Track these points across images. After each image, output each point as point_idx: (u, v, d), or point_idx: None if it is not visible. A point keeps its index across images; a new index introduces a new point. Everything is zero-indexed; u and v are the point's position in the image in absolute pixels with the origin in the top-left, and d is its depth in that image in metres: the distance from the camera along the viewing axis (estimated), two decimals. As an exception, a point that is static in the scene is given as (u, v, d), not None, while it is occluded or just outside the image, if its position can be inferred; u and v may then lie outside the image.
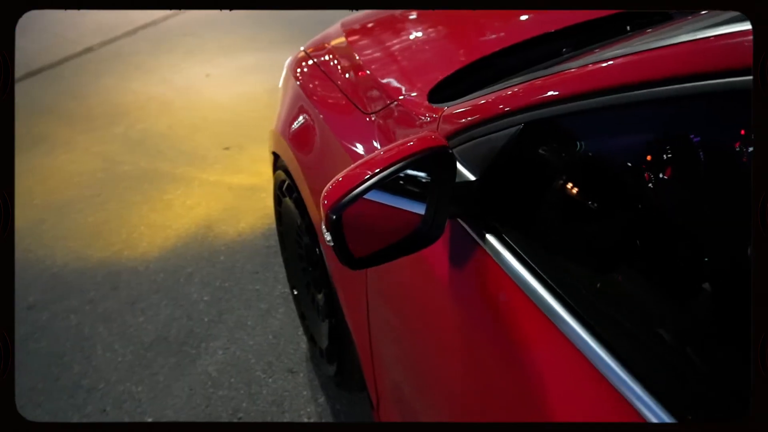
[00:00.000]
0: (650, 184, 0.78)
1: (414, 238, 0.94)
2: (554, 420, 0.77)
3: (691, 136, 0.74)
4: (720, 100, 0.64)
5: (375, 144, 1.33)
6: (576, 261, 0.87)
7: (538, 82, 0.90)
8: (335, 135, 1.47)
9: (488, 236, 0.95)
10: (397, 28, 1.85)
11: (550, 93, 0.86)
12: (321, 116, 1.57)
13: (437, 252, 1.03)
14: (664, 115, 0.76)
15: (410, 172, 0.90)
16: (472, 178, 0.98)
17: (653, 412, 0.64)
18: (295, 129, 1.71)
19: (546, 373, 0.80)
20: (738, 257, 0.65)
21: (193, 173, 3.52)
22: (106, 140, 4.04)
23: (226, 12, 6.27)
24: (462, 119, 1.05)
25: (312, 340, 2.06)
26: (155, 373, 2.21)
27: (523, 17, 1.67)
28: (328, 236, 0.87)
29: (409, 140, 0.92)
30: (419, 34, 1.79)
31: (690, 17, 0.91)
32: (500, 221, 0.96)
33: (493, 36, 1.66)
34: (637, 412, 0.66)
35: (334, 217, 0.84)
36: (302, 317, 2.16)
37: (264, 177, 3.41)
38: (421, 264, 1.06)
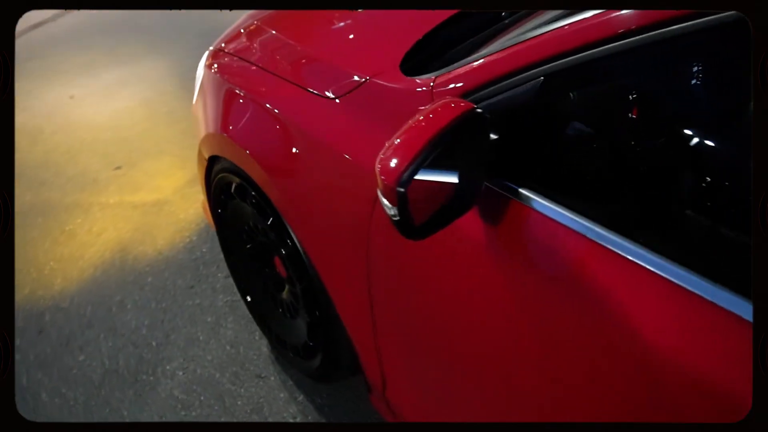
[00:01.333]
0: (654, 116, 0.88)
1: (458, 201, 0.97)
2: (639, 337, 0.83)
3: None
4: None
5: (350, 125, 1.32)
6: (616, 194, 0.94)
7: (549, 35, 0.95)
8: (302, 126, 1.44)
9: (521, 190, 0.99)
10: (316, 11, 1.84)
11: (566, 44, 0.91)
12: (274, 110, 1.53)
13: (468, 218, 1.05)
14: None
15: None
16: (493, 137, 1.02)
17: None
18: (246, 128, 1.66)
19: (619, 296, 0.86)
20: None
21: (88, 199, 3.31)
22: (-24, 180, 3.68)
23: (75, 29, 5.89)
24: (467, 84, 1.07)
25: (279, 341, 2.02)
26: (116, 408, 2.08)
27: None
28: (392, 210, 0.88)
29: (436, 109, 0.94)
30: (343, 14, 1.79)
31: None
32: (531, 173, 1.01)
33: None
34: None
35: (402, 190, 0.85)
36: (262, 321, 2.12)
37: (167, 191, 3.27)
38: (453, 233, 1.08)
